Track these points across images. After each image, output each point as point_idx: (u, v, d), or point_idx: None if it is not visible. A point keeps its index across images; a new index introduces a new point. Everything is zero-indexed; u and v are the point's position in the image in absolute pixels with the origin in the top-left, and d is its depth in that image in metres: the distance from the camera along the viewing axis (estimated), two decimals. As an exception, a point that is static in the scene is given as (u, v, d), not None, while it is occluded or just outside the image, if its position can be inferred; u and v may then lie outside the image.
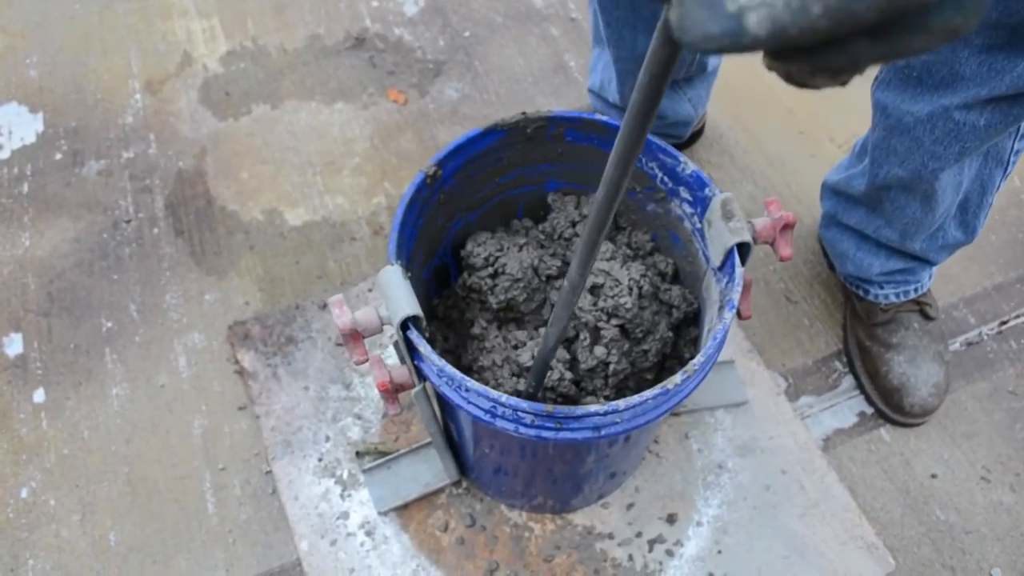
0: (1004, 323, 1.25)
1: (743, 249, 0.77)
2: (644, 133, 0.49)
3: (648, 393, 0.69)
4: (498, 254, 0.87)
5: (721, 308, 0.77)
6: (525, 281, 0.86)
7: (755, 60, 1.49)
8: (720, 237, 0.78)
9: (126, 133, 1.43)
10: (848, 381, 1.18)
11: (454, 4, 1.62)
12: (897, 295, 1.16)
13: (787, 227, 0.79)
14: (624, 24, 1.07)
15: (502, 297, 0.86)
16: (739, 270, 0.76)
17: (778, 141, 1.43)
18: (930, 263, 1.13)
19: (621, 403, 0.69)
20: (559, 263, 0.90)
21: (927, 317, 1.17)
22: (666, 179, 0.86)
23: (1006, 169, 0.99)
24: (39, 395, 1.13)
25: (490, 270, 0.87)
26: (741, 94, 1.49)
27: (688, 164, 0.82)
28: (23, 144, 1.43)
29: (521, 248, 0.88)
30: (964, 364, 1.20)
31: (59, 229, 1.30)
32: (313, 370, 1.10)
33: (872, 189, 1.05)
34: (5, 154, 1.41)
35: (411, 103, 1.45)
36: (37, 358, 1.16)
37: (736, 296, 0.74)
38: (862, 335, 1.18)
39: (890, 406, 1.14)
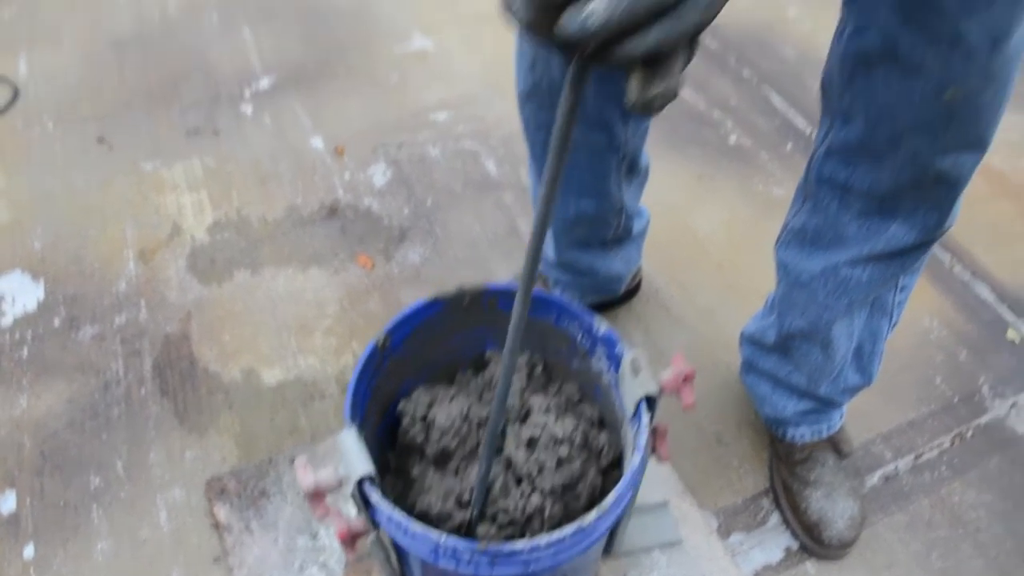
0: (919, 456, 1.37)
1: (651, 400, 0.91)
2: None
3: (567, 530, 0.81)
4: (429, 408, 1.01)
5: (633, 452, 0.89)
6: (455, 430, 0.99)
7: (688, 221, 1.66)
8: (631, 390, 0.92)
9: (119, 300, 1.58)
10: (775, 517, 1.29)
11: (418, 175, 1.80)
12: (811, 434, 1.29)
13: (688, 379, 0.93)
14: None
15: (436, 447, 0.99)
16: (645, 419, 0.89)
17: (708, 294, 1.59)
18: (837, 404, 1.27)
19: (543, 540, 0.80)
20: (487, 410, 1.03)
21: (841, 454, 1.30)
22: (584, 338, 1.00)
23: (891, 318, 1.14)
24: (29, 551, 1.23)
25: (422, 424, 1.00)
26: (675, 251, 1.66)
27: (602, 325, 0.97)
28: (25, 311, 1.57)
29: (452, 399, 1.02)
30: (882, 498, 1.32)
31: (55, 391, 1.43)
32: (283, 522, 1.21)
33: (780, 338, 1.20)
34: (8, 321, 1.55)
35: (378, 267, 1.62)
36: (29, 515, 1.27)
37: (643, 442, 0.87)
38: (784, 473, 1.30)
39: (812, 540, 1.25)
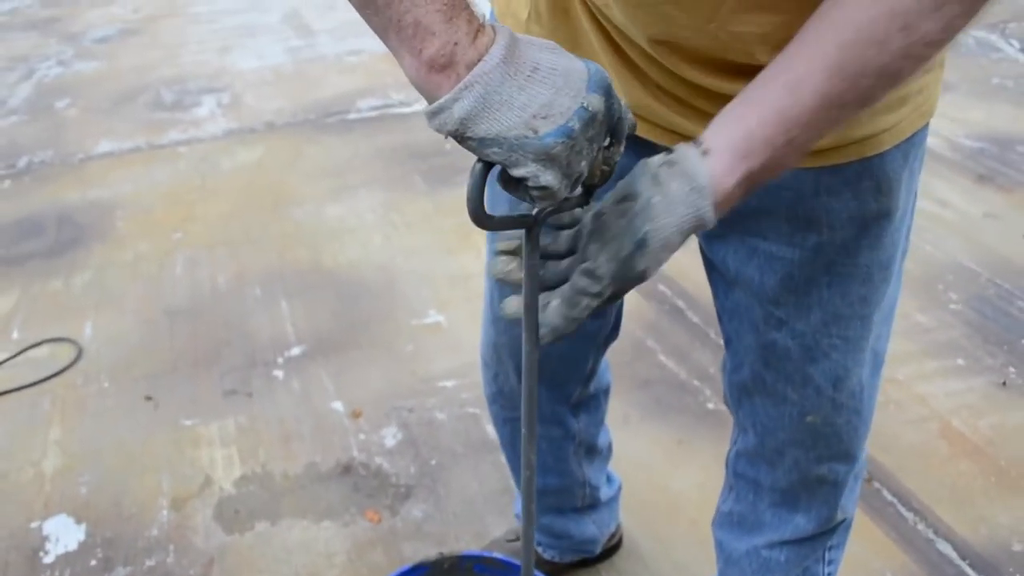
0: None
1: None
2: None
3: None
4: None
5: None
6: None
7: (666, 481, 1.85)
8: None
9: (151, 544, 1.76)
10: None
11: (425, 436, 2.03)
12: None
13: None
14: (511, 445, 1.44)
15: None
16: None
17: (685, 549, 1.74)
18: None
19: None
20: None
21: None
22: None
23: (826, 586, 1.30)
24: None
25: None
26: (653, 509, 1.83)
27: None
28: (66, 551, 1.75)
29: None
30: None
31: (85, 629, 1.59)
32: None
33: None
34: (50, 559, 1.74)
35: (384, 522, 1.80)
36: None
37: None
38: None
39: None
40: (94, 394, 2.21)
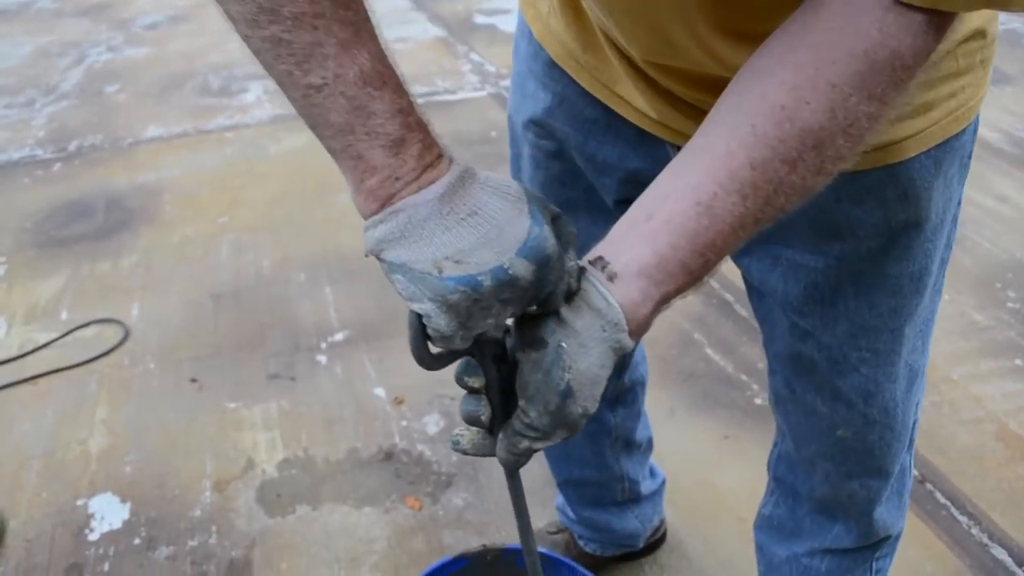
0: None
1: None
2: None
3: None
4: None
5: None
6: None
7: (712, 478, 1.81)
8: None
9: (193, 525, 1.77)
10: None
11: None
12: None
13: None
14: (559, 459, 1.41)
15: None
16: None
17: (730, 547, 1.71)
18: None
19: None
20: None
21: None
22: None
23: (874, 597, 1.26)
24: None
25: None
26: (699, 506, 1.80)
27: (586, 584, 1.11)
28: (110, 529, 1.77)
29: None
30: None
31: (128, 607, 1.60)
32: None
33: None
34: (95, 536, 1.75)
35: (425, 509, 1.79)
36: None
37: None
38: None
39: None
40: (140, 375, 2.23)
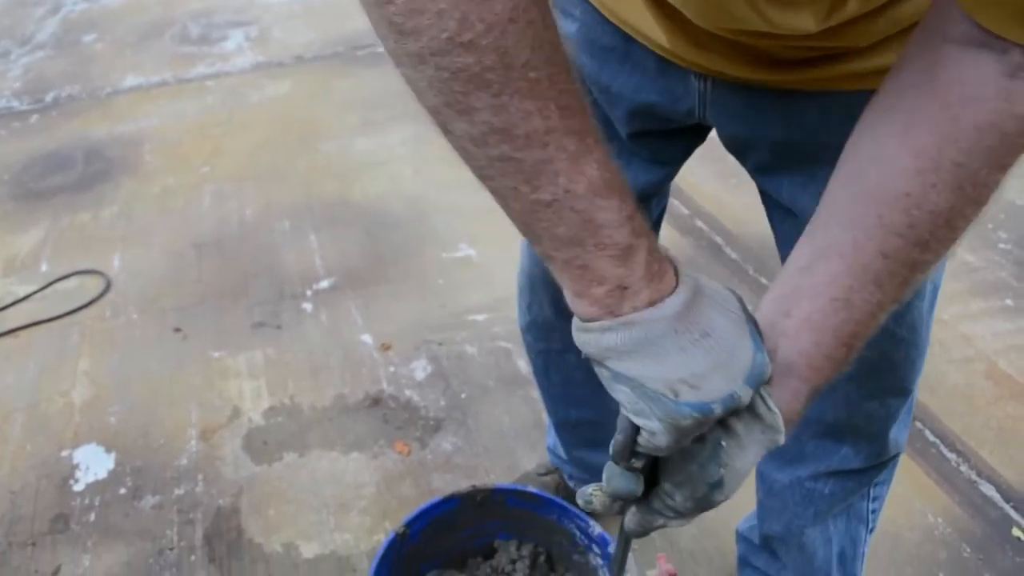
0: (919, 659, 1.42)
1: None
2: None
3: None
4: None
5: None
6: None
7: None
8: None
9: (180, 473, 1.75)
10: None
11: (455, 370, 1.99)
12: (807, 631, 1.36)
13: (672, 576, 1.05)
14: (558, 399, 1.40)
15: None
16: (630, 608, 1.01)
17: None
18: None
19: None
20: None
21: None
22: (582, 536, 1.13)
23: (867, 525, 1.25)
24: None
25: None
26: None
27: (596, 527, 1.10)
28: (96, 479, 1.75)
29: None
30: None
31: (115, 553, 1.58)
32: None
33: (762, 540, 1.31)
34: (80, 487, 1.73)
35: (413, 454, 1.78)
36: (82, 669, 1.39)
37: (626, 632, 0.98)
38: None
39: None
40: (122, 326, 2.19)
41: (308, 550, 1.58)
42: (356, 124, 3.13)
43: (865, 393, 1.04)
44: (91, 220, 2.67)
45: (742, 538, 1.41)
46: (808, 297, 0.64)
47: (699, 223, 2.51)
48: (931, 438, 1.81)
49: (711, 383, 0.57)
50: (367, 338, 2.11)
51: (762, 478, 1.26)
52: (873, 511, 1.24)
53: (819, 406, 1.09)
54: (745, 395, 0.59)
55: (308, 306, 2.23)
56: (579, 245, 0.55)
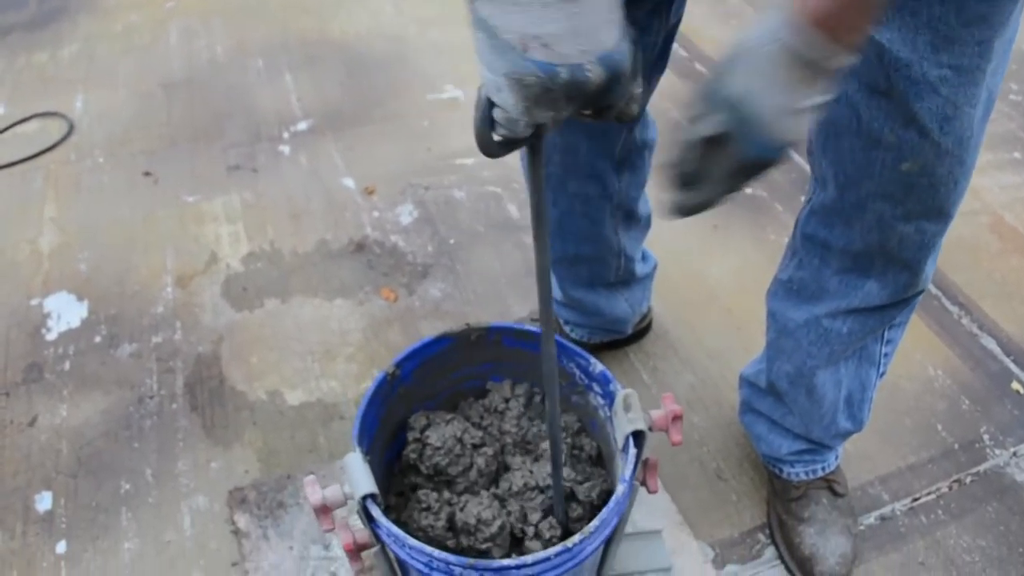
0: (916, 500, 1.41)
1: (640, 435, 0.97)
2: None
3: (552, 550, 0.87)
4: (425, 429, 1.07)
5: (619, 482, 0.95)
6: (446, 449, 1.05)
7: (700, 267, 1.73)
8: (622, 425, 0.98)
9: (157, 321, 1.67)
10: (770, 551, 1.33)
11: (443, 215, 1.90)
12: (807, 473, 1.33)
13: (676, 418, 0.99)
14: (554, 234, 1.32)
15: (428, 464, 1.05)
16: (632, 453, 0.95)
17: (717, 336, 1.65)
18: (830, 447, 1.31)
19: (529, 558, 0.86)
20: (482, 434, 1.09)
21: (835, 493, 1.34)
22: (582, 376, 1.07)
23: (879, 368, 1.20)
24: (61, 546, 1.31)
25: (416, 443, 1.06)
26: (686, 295, 1.73)
27: (597, 364, 1.04)
28: (69, 328, 1.67)
29: (448, 422, 1.08)
30: (878, 537, 1.36)
31: (92, 402, 1.52)
32: (298, 532, 1.28)
33: (770, 382, 1.26)
34: (53, 336, 1.65)
35: (400, 301, 1.70)
36: (63, 514, 1.35)
37: (627, 474, 0.93)
38: (780, 509, 1.35)
39: (803, 574, 1.29)
40: (89, 170, 2.06)
41: (293, 397, 1.52)
42: (332, -43, 2.90)
43: (900, 213, 0.95)
44: (49, 60, 2.49)
45: (746, 382, 1.36)
46: None
47: (699, 67, 2.37)
48: (933, 290, 1.75)
49: (563, 47, 0.58)
50: (349, 182, 2.00)
51: (774, 318, 1.19)
52: (886, 354, 1.19)
53: (847, 233, 1.01)
54: (596, 74, 0.60)
55: (285, 148, 2.10)
56: None
